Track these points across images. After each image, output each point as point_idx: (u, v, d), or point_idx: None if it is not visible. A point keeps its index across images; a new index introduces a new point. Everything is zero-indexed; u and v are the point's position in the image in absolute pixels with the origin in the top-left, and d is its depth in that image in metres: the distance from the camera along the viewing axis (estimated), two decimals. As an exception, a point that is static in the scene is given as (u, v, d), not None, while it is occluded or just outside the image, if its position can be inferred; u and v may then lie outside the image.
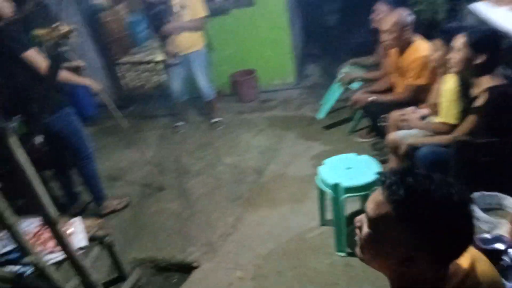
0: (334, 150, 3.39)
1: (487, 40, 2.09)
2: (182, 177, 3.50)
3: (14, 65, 2.49)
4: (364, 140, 3.52)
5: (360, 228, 1.02)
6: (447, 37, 2.35)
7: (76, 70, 2.87)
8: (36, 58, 2.46)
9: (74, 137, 2.87)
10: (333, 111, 3.91)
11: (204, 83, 4.05)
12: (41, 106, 2.63)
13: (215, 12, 4.51)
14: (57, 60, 1.83)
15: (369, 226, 0.97)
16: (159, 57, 4.54)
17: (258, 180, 3.29)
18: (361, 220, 1.02)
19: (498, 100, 2.09)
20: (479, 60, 2.09)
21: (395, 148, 2.66)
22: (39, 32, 2.07)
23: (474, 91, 2.21)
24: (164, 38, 3.87)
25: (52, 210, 1.74)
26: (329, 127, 3.85)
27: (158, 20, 3.78)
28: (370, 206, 0.97)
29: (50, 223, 1.77)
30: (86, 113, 4.72)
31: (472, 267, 0.99)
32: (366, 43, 4.40)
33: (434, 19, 3.75)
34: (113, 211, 3.14)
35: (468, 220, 0.92)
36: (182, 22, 3.76)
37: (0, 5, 2.42)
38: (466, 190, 0.93)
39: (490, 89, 2.10)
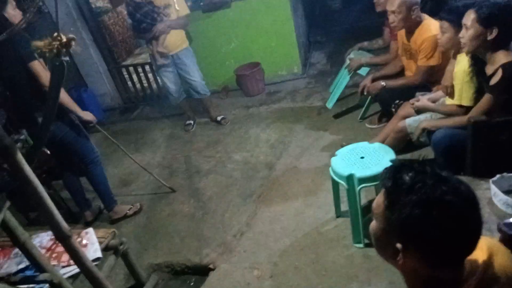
0: (345, 139, 3.33)
1: (497, 13, 1.98)
2: (193, 178, 3.46)
3: (22, 74, 2.52)
4: (375, 126, 3.42)
5: None
6: (454, 17, 2.24)
7: None
8: (42, 69, 2.51)
9: (78, 143, 2.88)
10: (342, 98, 3.82)
11: (198, 80, 3.97)
12: (53, 107, 2.63)
13: (216, 5, 4.44)
14: (61, 70, 1.79)
15: (375, 218, 1.00)
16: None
17: (270, 175, 3.24)
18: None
19: (514, 76, 1.99)
20: (491, 35, 2.00)
21: (402, 136, 2.61)
22: (39, 43, 2.03)
23: (489, 68, 2.12)
24: (150, 39, 3.75)
25: (63, 225, 1.71)
26: (338, 115, 3.77)
27: (146, 22, 3.65)
28: (376, 199, 0.99)
29: (62, 239, 1.75)
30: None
31: (489, 262, 0.95)
32: (372, 26, 4.28)
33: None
34: (125, 217, 3.12)
35: (459, 220, 0.86)
36: (171, 20, 3.69)
37: (12, 13, 2.50)
38: (462, 188, 0.89)
39: (505, 66, 2.00)
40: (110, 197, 3.12)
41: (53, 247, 2.20)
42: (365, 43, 3.74)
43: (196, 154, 3.80)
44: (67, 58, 1.87)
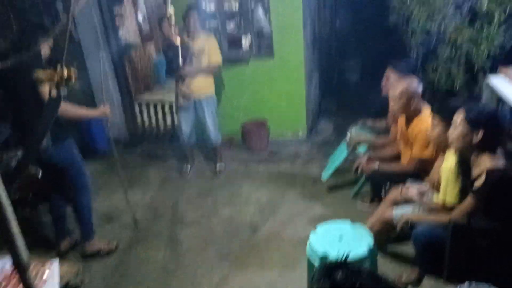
0: (334, 214, 3.28)
1: (484, 117, 2.04)
2: (175, 226, 3.42)
3: (30, 95, 2.62)
4: (366, 206, 3.38)
5: None
6: (446, 114, 2.28)
7: None
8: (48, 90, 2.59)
9: (73, 169, 2.91)
10: (339, 171, 3.81)
11: (213, 129, 4.08)
12: (41, 136, 2.69)
13: (235, 60, 4.62)
14: (56, 102, 1.87)
15: None
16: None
17: (252, 237, 3.18)
18: None
19: (496, 184, 1.98)
20: (477, 137, 2.02)
21: (388, 227, 2.56)
22: (41, 74, 2.13)
23: (474, 170, 2.11)
24: (178, 79, 3.93)
25: (24, 254, 1.69)
26: (333, 188, 3.75)
27: (177, 62, 3.85)
28: None
29: (20, 268, 1.71)
30: (98, 147, 4.78)
31: None
32: (384, 104, 4.33)
33: (451, 89, 3.68)
34: (98, 252, 3.07)
35: None
36: (200, 66, 3.84)
37: (44, 48, 2.72)
38: (395, 285, 0.90)
39: (489, 172, 1.99)
40: (90, 228, 3.09)
41: (13, 275, 2.15)
42: (369, 121, 3.78)
43: (185, 202, 3.78)
44: (65, 93, 1.95)
